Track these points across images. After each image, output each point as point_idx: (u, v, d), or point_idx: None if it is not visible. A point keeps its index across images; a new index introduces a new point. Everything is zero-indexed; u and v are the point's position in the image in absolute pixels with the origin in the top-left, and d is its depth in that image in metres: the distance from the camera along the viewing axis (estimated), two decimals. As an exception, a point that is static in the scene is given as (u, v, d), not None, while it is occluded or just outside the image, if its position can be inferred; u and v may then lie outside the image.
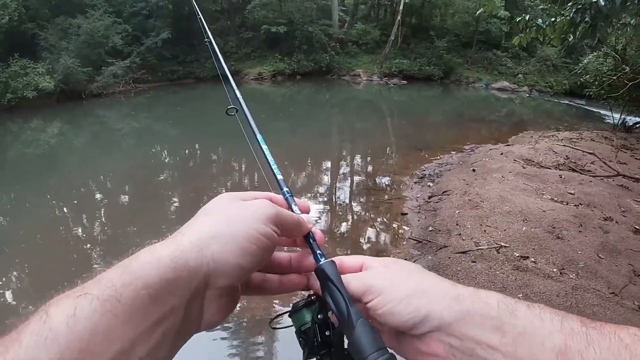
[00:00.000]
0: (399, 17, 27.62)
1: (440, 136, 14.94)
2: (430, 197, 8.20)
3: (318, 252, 0.69)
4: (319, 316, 0.67)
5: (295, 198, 0.76)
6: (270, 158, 0.86)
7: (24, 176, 11.78)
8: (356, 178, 10.80)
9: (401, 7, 27.23)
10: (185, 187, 10.55)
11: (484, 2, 25.55)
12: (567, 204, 7.23)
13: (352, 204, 8.98)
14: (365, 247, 6.85)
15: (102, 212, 9.16)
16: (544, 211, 6.68)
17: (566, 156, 10.26)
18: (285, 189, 0.78)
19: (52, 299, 0.46)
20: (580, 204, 7.23)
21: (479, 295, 0.59)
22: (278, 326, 0.80)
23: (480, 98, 24.92)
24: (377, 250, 6.54)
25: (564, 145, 11.17)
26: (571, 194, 7.64)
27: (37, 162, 13.54)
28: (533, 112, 22.38)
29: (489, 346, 0.54)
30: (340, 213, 8.45)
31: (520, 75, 27.06)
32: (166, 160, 13.92)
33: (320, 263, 0.66)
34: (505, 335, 0.54)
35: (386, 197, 8.79)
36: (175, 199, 9.94)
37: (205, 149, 14.68)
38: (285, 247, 0.73)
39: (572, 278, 5.18)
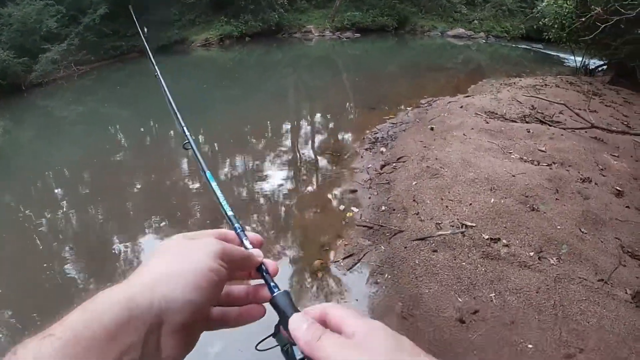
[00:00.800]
0: None
1: (395, 90, 13.90)
2: (383, 167, 7.08)
3: (272, 284, 0.70)
4: (284, 347, 0.66)
5: (247, 232, 0.77)
6: (219, 195, 0.87)
7: None
8: (302, 151, 9.57)
9: None
10: (145, 169, 10.26)
11: None
12: (538, 164, 6.22)
13: (294, 184, 7.70)
14: (307, 242, 5.65)
15: (62, 206, 8.84)
16: (513, 176, 5.66)
17: (532, 106, 9.21)
18: (236, 225, 0.79)
19: (21, 342, 0.50)
20: (554, 162, 6.23)
21: None
22: (264, 348, 0.73)
23: (436, 46, 23.77)
24: (320, 245, 5.37)
25: (529, 95, 10.07)
26: (542, 151, 6.62)
27: None
28: (490, 58, 21.53)
29: None
30: (276, 198, 7.20)
31: (475, 22, 25.79)
32: (121, 143, 13.22)
33: (275, 294, 0.67)
34: None
35: (332, 170, 7.70)
36: (136, 183, 9.56)
37: (162, 126, 13.58)
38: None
39: (553, 265, 4.19)
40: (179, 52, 25.05)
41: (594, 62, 14.45)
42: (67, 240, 7.44)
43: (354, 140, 9.08)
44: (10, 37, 20.75)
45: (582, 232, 4.65)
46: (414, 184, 5.98)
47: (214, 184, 0.89)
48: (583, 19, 11.02)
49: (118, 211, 8.11)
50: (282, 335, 0.66)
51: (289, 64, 21.38)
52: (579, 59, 14.83)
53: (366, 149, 8.24)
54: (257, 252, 0.72)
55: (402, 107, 11.16)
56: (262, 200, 7.09)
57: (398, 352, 0.53)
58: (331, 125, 11.25)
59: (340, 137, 9.75)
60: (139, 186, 9.46)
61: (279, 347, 0.67)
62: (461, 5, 26.87)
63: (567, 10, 12.66)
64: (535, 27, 23.37)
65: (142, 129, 13.80)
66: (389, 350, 0.53)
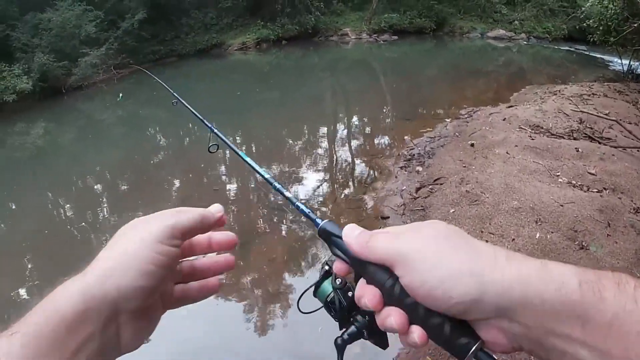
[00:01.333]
0: None
1: (434, 98, 13.38)
2: (418, 190, 6.65)
3: (312, 215, 0.73)
4: (337, 281, 0.73)
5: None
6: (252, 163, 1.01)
7: (16, 180, 11.70)
8: (333, 169, 9.11)
9: None
10: (184, 168, 10.50)
11: None
12: (588, 189, 5.74)
13: (320, 206, 7.23)
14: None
15: (102, 206, 9.30)
16: (561, 205, 5.22)
17: (580, 119, 8.56)
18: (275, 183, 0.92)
19: None
20: (604, 188, 5.73)
21: (550, 272, 0.49)
22: (308, 310, 0.80)
23: (476, 48, 23.14)
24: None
25: (577, 109, 9.22)
26: (592, 174, 6.11)
27: (27, 165, 13.29)
28: (532, 60, 20.82)
29: (568, 337, 0.47)
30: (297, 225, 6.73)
31: (516, 22, 24.90)
32: (160, 144, 13.58)
33: (321, 223, 0.68)
34: (590, 324, 0.46)
35: (364, 192, 7.19)
36: (176, 182, 9.86)
37: (199, 129, 13.63)
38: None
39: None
40: (216, 56, 25.03)
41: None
42: (102, 242, 7.39)
43: (388, 157, 8.57)
44: (50, 42, 21.17)
45: (637, 276, 4.23)
46: (451, 211, 5.60)
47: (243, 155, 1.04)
48: (634, 23, 10.42)
49: (156, 207, 7.79)
50: (322, 288, 0.75)
51: (325, 68, 21.11)
52: (625, 62, 14.10)
53: (401, 167, 7.75)
54: (215, 208, 0.70)
55: (441, 117, 10.59)
56: (282, 226, 6.81)
57: (454, 232, 0.56)
58: (365, 138, 10.77)
59: (374, 152, 9.24)
60: (176, 186, 9.67)
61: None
62: (501, 5, 26.03)
63: (612, 12, 11.99)
64: (578, 27, 22.50)
65: (180, 132, 13.83)
66: (442, 232, 0.56)
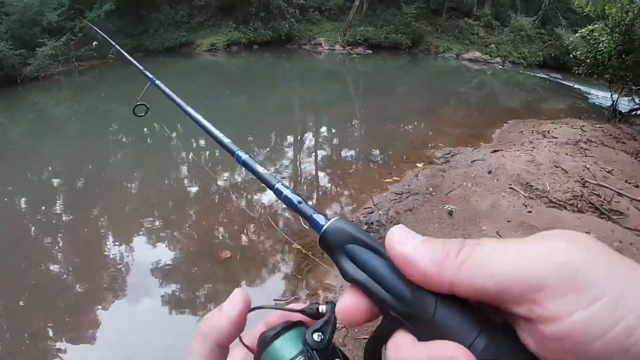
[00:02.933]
0: None
1: (405, 129, 12.31)
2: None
3: (313, 215, 0.46)
4: (314, 336, 0.42)
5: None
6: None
7: None
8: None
9: None
10: (142, 169, 10.05)
11: None
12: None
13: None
14: None
15: (49, 203, 8.72)
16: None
17: (581, 178, 6.87)
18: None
19: None
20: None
21: None
22: None
23: (451, 69, 22.76)
24: None
25: (572, 157, 7.84)
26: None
27: None
28: (507, 85, 20.40)
29: None
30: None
31: (492, 46, 24.76)
32: (119, 142, 12.99)
33: (328, 224, 0.43)
34: None
35: (291, 288, 5.50)
36: (133, 184, 9.31)
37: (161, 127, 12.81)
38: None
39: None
40: (185, 55, 24.32)
41: (625, 104, 12.93)
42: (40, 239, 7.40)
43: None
44: (9, 27, 20.01)
45: None
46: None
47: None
48: (626, 59, 9.72)
49: (106, 212, 7.97)
50: (276, 349, 0.43)
51: (295, 76, 20.59)
52: (605, 94, 13.46)
53: None
54: (238, 295, 0.48)
55: (412, 160, 8.62)
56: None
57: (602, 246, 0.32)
58: (319, 184, 8.78)
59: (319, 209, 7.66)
60: (131, 186, 9.18)
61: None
62: (479, 27, 25.91)
63: (604, 46, 11.23)
64: (553, 55, 22.39)
65: (145, 130, 13.16)
66: (592, 245, 0.32)
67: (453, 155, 8.56)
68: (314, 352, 0.41)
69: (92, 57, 22.86)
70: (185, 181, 9.38)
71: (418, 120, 13.08)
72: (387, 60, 23.59)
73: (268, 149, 11.02)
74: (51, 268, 6.59)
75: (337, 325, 0.43)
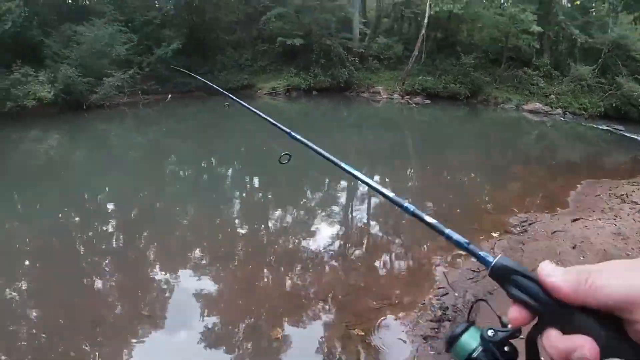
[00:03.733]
0: (423, 31, 25.46)
1: (472, 190, 11.49)
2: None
3: (481, 253, 0.65)
4: (488, 332, 0.62)
5: None
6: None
7: (20, 186, 12.03)
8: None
9: (426, 21, 25.15)
10: (195, 206, 10.36)
11: (515, 17, 23.98)
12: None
13: None
14: None
15: (101, 228, 9.24)
16: None
17: None
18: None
19: None
20: None
21: None
22: None
23: (511, 121, 22.58)
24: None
25: None
26: None
27: (33, 173, 13.63)
28: (569, 138, 20.22)
29: None
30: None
31: (552, 96, 24.42)
32: (174, 176, 13.57)
33: (496, 259, 0.61)
34: None
35: None
36: (185, 220, 9.58)
37: (221, 165, 14.02)
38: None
39: None
40: (246, 97, 24.98)
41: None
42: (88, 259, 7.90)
43: (404, 307, 5.74)
44: (79, 56, 21.53)
45: None
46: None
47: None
48: None
49: (156, 246, 8.35)
50: (462, 341, 0.63)
51: (353, 124, 20.95)
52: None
53: (424, 340, 4.93)
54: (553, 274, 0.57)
55: (485, 228, 7.91)
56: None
57: None
58: (373, 252, 7.86)
59: (381, 289, 6.37)
60: (184, 222, 9.43)
61: None
62: (538, 77, 25.66)
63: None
64: (614, 105, 22.09)
65: (203, 164, 14.08)
66: None
67: (530, 224, 8.02)
68: (489, 343, 0.61)
69: (156, 92, 24.15)
70: (241, 229, 9.53)
71: (483, 177, 12.74)
72: (446, 110, 23.70)
73: (320, 197, 11.38)
74: (95, 287, 6.96)
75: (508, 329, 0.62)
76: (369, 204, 10.65)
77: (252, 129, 16.16)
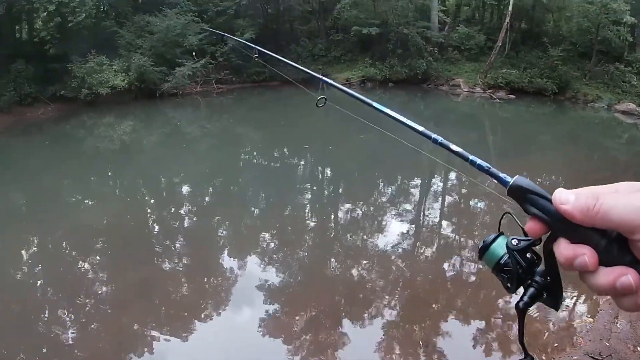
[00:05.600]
0: (507, 21, 24.47)
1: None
2: None
3: (500, 175, 0.74)
4: (512, 242, 0.71)
5: None
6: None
7: (95, 169, 13.46)
8: None
9: (510, 9, 24.26)
10: (266, 194, 10.97)
11: (607, 6, 22.68)
12: None
13: None
14: None
15: (177, 208, 10.16)
16: None
17: None
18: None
19: None
20: None
21: None
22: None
23: (601, 122, 21.43)
24: None
25: None
26: None
27: (108, 157, 15.35)
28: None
29: None
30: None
31: (646, 95, 22.95)
32: (247, 164, 14.34)
33: (514, 179, 0.69)
34: None
35: None
36: (254, 208, 10.21)
37: (293, 155, 14.34)
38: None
39: None
40: (319, 88, 25.04)
41: None
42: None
43: (469, 315, 5.94)
44: (152, 45, 22.69)
45: None
46: None
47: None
48: None
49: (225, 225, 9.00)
50: (492, 250, 0.73)
51: (430, 118, 20.67)
52: None
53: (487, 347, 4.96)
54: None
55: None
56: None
57: None
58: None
59: (448, 296, 6.49)
60: (254, 209, 10.14)
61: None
62: (631, 75, 24.12)
63: None
64: None
65: (275, 154, 14.49)
66: None
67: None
68: (513, 251, 0.70)
69: (230, 82, 24.72)
70: (311, 221, 9.81)
71: (566, 183, 11.68)
72: (531, 107, 22.84)
73: (393, 190, 11.39)
74: (164, 266, 7.63)
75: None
76: (442, 204, 10.70)
77: (326, 119, 16.41)
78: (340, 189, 12.24)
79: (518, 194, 0.67)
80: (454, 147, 0.85)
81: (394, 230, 8.90)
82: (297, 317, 6.15)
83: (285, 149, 16.10)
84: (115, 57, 22.30)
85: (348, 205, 10.78)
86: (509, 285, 0.71)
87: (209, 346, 5.68)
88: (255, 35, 24.90)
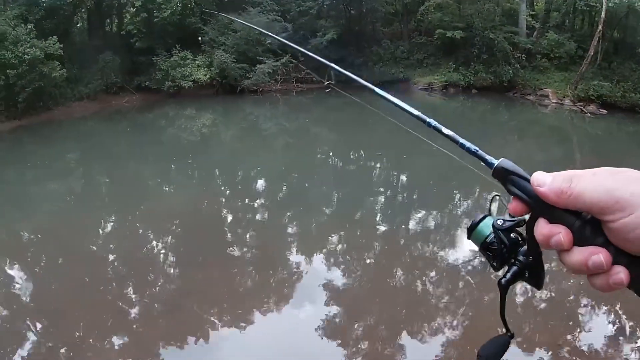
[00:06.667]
0: (600, 28, 23.32)
1: None
2: None
3: (487, 157, 0.74)
4: (498, 222, 0.76)
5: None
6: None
7: (174, 157, 14.59)
8: None
9: (602, 16, 23.16)
10: (339, 195, 11.45)
11: None
12: None
13: None
14: None
15: (253, 201, 11.08)
16: None
17: None
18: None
19: None
20: None
21: None
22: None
23: None
24: None
25: None
26: None
27: (188, 146, 16.61)
28: None
29: None
30: None
31: None
32: (322, 162, 14.85)
33: (498, 162, 0.71)
34: None
35: None
36: (326, 208, 10.61)
37: (367, 158, 15.03)
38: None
39: None
40: (400, 91, 25.01)
41: None
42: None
43: (533, 343, 5.93)
44: (235, 43, 23.93)
45: None
46: None
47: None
48: None
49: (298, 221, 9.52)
50: (479, 229, 0.78)
51: (513, 129, 20.33)
52: None
53: None
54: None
55: None
56: None
57: None
58: None
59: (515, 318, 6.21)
60: (325, 208, 10.50)
61: None
62: None
63: None
64: None
65: (351, 156, 15.11)
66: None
67: None
68: (498, 231, 0.75)
69: (311, 81, 25.19)
70: (381, 226, 9.96)
71: None
72: (622, 125, 21.62)
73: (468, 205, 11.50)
74: (231, 255, 8.18)
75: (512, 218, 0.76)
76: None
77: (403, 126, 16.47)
78: (414, 198, 12.35)
79: (502, 175, 0.71)
80: (445, 131, 0.87)
81: (466, 246, 8.81)
82: (356, 323, 6.30)
83: (360, 152, 16.36)
84: (199, 52, 23.42)
85: (420, 216, 10.85)
86: (494, 263, 0.77)
87: (266, 339, 5.95)
88: (337, 37, 25.35)
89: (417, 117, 0.92)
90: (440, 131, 0.87)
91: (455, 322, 6.44)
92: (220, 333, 6.04)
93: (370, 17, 27.86)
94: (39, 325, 6.43)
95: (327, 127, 19.57)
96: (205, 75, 23.50)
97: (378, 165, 15.41)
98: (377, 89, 1.08)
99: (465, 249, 8.51)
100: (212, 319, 6.33)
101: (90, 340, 5.98)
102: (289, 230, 9.60)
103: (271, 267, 7.69)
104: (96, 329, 6.19)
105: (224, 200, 11.47)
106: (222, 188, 12.57)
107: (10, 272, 8.30)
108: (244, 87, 23.51)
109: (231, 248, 8.64)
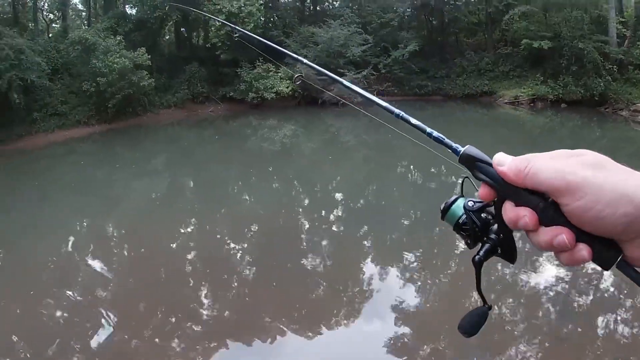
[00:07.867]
0: None
1: None
2: None
3: (453, 145, 0.80)
4: (468, 203, 0.81)
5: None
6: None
7: (255, 165, 15.56)
8: None
9: None
10: (414, 206, 11.70)
11: None
12: None
13: None
14: None
15: (324, 212, 11.38)
16: None
17: None
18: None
19: None
20: None
21: None
22: None
23: None
24: None
25: None
26: None
27: (270, 156, 17.56)
28: None
29: None
30: None
31: None
32: (402, 177, 15.12)
33: (464, 149, 0.76)
34: None
35: None
36: (405, 221, 10.82)
37: (449, 174, 14.41)
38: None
39: None
40: (484, 104, 25.11)
41: None
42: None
43: None
44: (316, 55, 24.46)
45: None
46: None
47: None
48: None
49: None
50: (452, 210, 0.83)
51: (605, 148, 19.48)
52: None
53: None
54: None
55: None
56: None
57: (612, 165, 0.65)
58: None
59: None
60: (404, 221, 10.72)
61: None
62: None
63: None
64: None
65: (432, 170, 15.13)
66: (598, 159, 0.65)
67: None
68: (469, 212, 0.81)
69: (392, 93, 25.53)
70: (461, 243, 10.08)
71: None
72: None
73: None
74: (304, 264, 8.52)
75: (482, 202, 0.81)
76: None
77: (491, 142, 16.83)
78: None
79: (468, 161, 0.75)
80: (413, 121, 0.91)
81: (552, 272, 7.99)
82: (425, 346, 6.23)
83: (442, 168, 16.48)
84: (281, 65, 24.19)
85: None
86: (468, 242, 0.83)
87: (331, 352, 6.04)
88: (419, 48, 25.44)
89: (385, 108, 1.01)
90: (408, 121, 0.95)
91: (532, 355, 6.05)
92: (284, 338, 6.22)
93: (453, 27, 27.81)
94: (112, 318, 6.83)
95: (409, 140, 19.88)
96: (288, 87, 24.30)
97: (459, 181, 15.59)
98: (344, 81, 1.20)
99: (551, 274, 7.84)
100: (278, 324, 6.49)
101: (157, 340, 6.40)
102: (364, 242, 9.84)
103: (343, 279, 7.92)
104: (165, 325, 6.62)
105: (301, 209, 11.88)
106: (301, 197, 13.09)
107: (91, 263, 9.17)
108: (325, 100, 23.95)
109: (305, 257, 9.00)
